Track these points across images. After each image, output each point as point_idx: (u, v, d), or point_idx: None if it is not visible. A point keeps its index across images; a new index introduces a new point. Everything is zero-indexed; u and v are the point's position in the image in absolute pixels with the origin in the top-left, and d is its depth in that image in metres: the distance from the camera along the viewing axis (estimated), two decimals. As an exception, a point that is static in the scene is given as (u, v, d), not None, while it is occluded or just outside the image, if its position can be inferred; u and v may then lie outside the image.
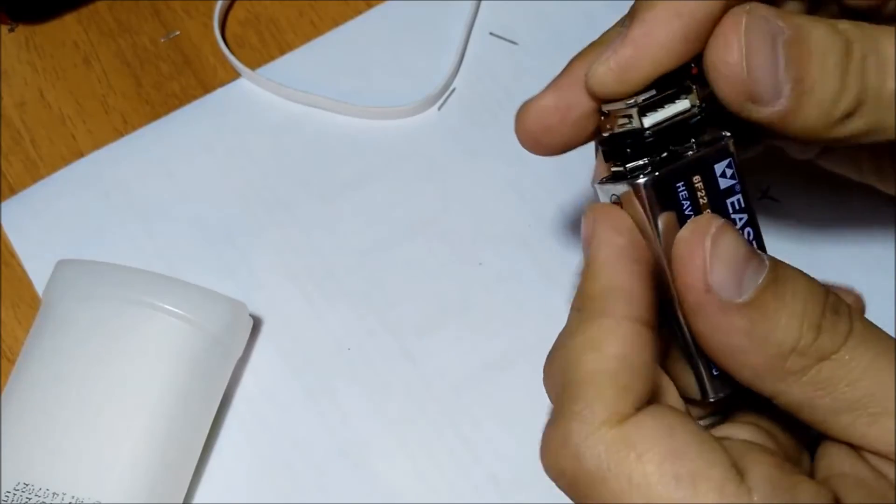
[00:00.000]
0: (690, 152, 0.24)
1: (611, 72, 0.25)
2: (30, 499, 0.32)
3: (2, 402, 0.34)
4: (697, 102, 0.25)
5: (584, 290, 0.24)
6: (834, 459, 0.24)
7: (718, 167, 0.24)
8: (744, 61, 0.24)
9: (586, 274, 0.24)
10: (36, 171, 0.43)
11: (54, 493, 0.32)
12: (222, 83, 0.44)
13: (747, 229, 0.25)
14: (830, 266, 0.38)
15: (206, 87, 0.44)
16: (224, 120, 0.43)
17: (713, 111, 0.25)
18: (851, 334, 0.23)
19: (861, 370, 0.22)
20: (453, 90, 0.43)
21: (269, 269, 0.40)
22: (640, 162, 0.24)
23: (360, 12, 0.45)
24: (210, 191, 0.42)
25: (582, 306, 0.24)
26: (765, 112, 0.24)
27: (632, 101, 0.24)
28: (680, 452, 0.22)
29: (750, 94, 0.24)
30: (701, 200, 0.24)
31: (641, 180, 0.24)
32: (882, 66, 0.24)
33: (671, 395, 0.26)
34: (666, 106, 0.24)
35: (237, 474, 0.36)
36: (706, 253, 0.23)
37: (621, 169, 0.25)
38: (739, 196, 0.25)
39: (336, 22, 0.45)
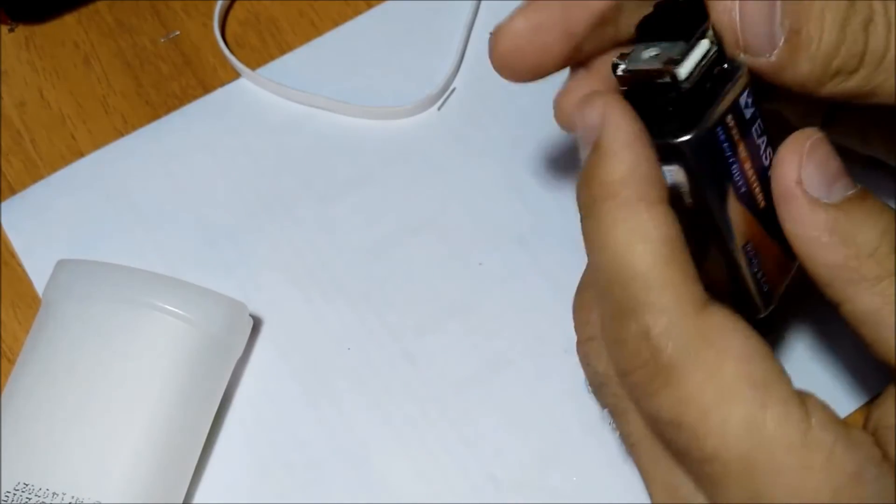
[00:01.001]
0: (719, 95, 0.24)
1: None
2: (30, 499, 0.32)
3: (2, 402, 0.34)
4: (714, 38, 0.24)
5: (608, 177, 0.23)
6: (886, 411, 0.23)
7: (742, 101, 0.25)
8: (736, 8, 0.24)
9: (605, 160, 0.23)
10: (36, 171, 0.43)
11: (54, 493, 0.32)
12: (222, 83, 0.44)
13: (768, 149, 0.25)
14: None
15: (206, 87, 0.44)
16: (224, 120, 0.43)
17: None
18: None
19: None
20: (453, 90, 0.43)
21: (269, 269, 0.40)
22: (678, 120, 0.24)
23: (360, 12, 0.45)
24: (210, 191, 0.42)
25: (608, 194, 0.23)
26: (758, 62, 0.24)
27: (656, 55, 0.24)
28: (753, 356, 0.22)
29: (743, 42, 0.24)
30: (735, 138, 0.24)
31: (687, 137, 0.23)
32: (888, 29, 0.24)
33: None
34: (691, 53, 0.24)
35: (237, 474, 0.36)
36: (803, 152, 0.23)
37: (665, 121, 0.24)
38: (759, 121, 0.25)
39: (336, 22, 0.45)
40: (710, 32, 0.24)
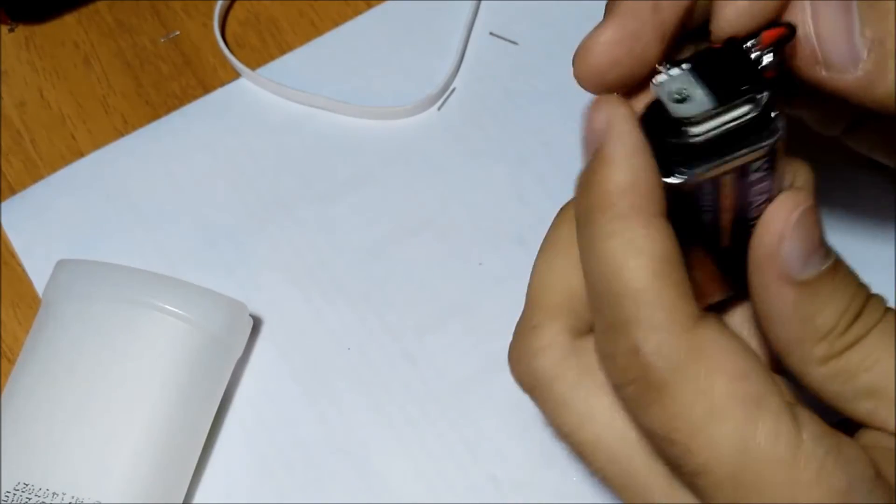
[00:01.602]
0: (727, 155, 0.22)
1: None
2: (30, 499, 0.32)
3: (2, 402, 0.34)
4: (761, 103, 0.22)
5: (607, 186, 0.22)
6: (874, 435, 0.24)
7: (753, 166, 0.23)
8: (809, 21, 0.22)
9: (605, 168, 0.22)
10: (36, 171, 0.43)
11: (54, 493, 0.32)
12: (222, 83, 0.44)
13: (764, 205, 0.24)
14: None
15: (206, 87, 0.44)
16: (224, 120, 0.43)
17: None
18: (878, 325, 0.23)
19: (879, 356, 0.23)
20: (453, 90, 0.43)
21: (269, 269, 0.40)
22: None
23: (360, 12, 0.45)
24: (210, 191, 0.42)
25: (606, 204, 0.22)
26: (841, 81, 0.22)
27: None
28: (745, 372, 0.22)
29: (821, 60, 0.22)
30: (724, 192, 0.23)
31: (674, 180, 0.22)
32: None
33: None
34: (721, 115, 0.22)
35: (237, 474, 0.36)
36: (789, 225, 0.22)
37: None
38: (768, 182, 0.23)
39: (336, 22, 0.45)
40: (763, 98, 0.22)
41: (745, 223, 0.24)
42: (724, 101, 0.22)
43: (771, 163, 0.23)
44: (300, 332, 0.38)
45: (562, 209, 0.27)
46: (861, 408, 0.23)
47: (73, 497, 0.32)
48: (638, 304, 0.22)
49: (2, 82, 0.45)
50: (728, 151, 0.22)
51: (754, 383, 0.21)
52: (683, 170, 0.22)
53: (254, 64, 0.44)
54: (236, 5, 0.46)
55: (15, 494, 0.32)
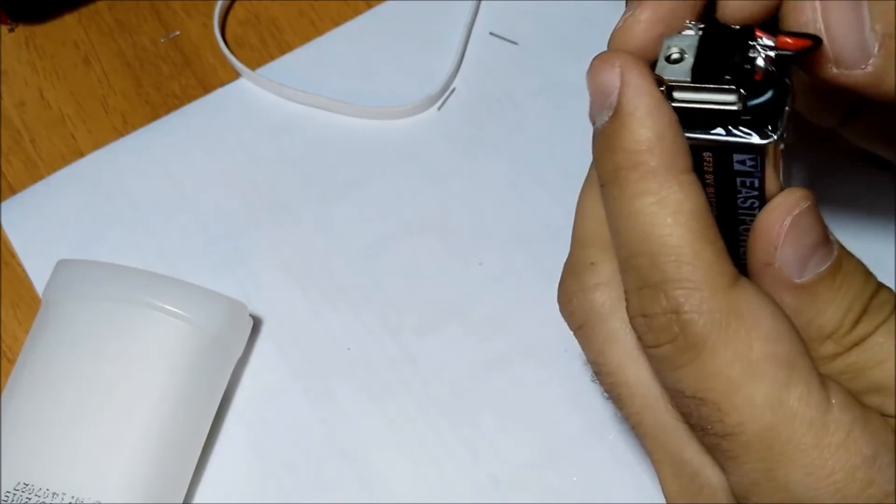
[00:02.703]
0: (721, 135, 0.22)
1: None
2: (30, 499, 0.32)
3: (2, 402, 0.34)
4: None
5: (633, 145, 0.22)
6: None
7: (738, 157, 0.23)
8: (819, 18, 0.22)
9: (628, 126, 0.22)
10: (36, 171, 0.43)
11: (54, 493, 0.32)
12: (222, 83, 0.44)
13: (751, 202, 0.24)
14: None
15: (206, 87, 0.44)
16: (224, 120, 0.43)
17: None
18: (886, 322, 0.23)
19: (888, 352, 0.23)
20: (453, 90, 0.43)
21: (269, 269, 0.40)
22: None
23: (359, 12, 0.45)
24: (210, 191, 0.42)
25: (634, 163, 0.22)
26: (851, 77, 0.22)
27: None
28: (781, 336, 0.22)
29: (834, 54, 0.22)
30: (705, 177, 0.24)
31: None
32: None
33: None
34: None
35: (237, 474, 0.36)
36: (783, 231, 0.22)
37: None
38: (756, 179, 0.23)
39: (336, 22, 0.45)
40: (757, 100, 0.22)
41: (732, 217, 0.24)
42: (698, 79, 0.22)
43: (758, 163, 0.23)
44: (300, 332, 0.38)
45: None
46: (871, 402, 0.23)
47: (73, 497, 0.32)
48: (679, 262, 0.21)
49: (2, 82, 0.45)
50: (707, 129, 0.22)
51: (788, 346, 0.22)
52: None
53: (254, 64, 0.44)
54: (236, 5, 0.46)
55: (15, 494, 0.32)
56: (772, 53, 0.22)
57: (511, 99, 0.43)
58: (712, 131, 0.23)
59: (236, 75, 0.44)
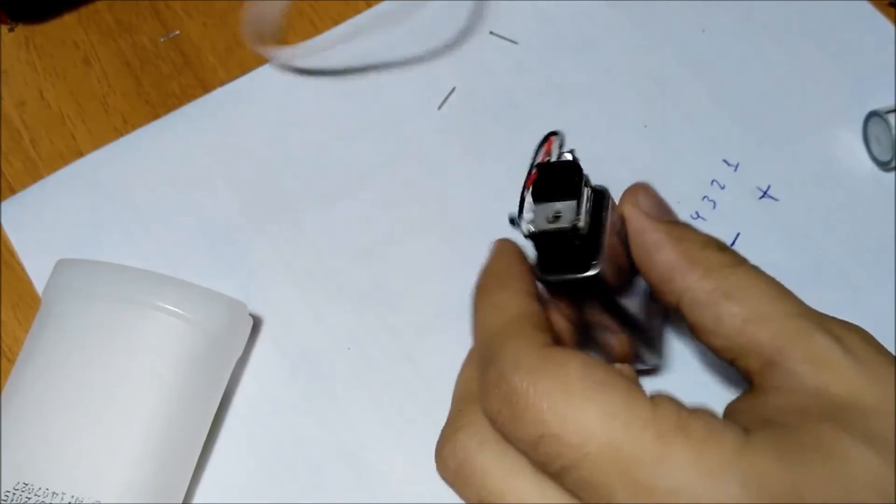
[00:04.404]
0: (603, 224, 0.29)
1: None
2: (30, 498, 0.32)
3: (2, 402, 0.34)
4: (588, 182, 0.28)
5: (485, 273, 0.30)
6: (730, 414, 0.27)
7: (609, 216, 0.29)
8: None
9: (486, 265, 0.30)
10: (36, 171, 0.43)
11: (54, 493, 0.32)
12: (222, 83, 0.44)
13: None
14: (830, 265, 0.38)
15: (206, 87, 0.44)
16: (224, 120, 0.43)
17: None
18: (746, 261, 0.28)
19: (754, 281, 0.27)
20: (453, 90, 0.43)
21: (269, 269, 0.40)
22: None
23: (359, 12, 0.45)
24: (210, 191, 0.42)
25: (483, 284, 0.29)
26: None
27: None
28: (593, 366, 0.25)
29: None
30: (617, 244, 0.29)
31: (596, 271, 0.28)
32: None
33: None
34: (582, 206, 0.28)
35: (237, 474, 0.36)
36: (637, 191, 0.30)
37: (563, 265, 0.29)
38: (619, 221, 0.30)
39: (336, 21, 0.45)
40: (586, 178, 0.28)
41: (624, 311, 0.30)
42: (574, 193, 0.28)
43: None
44: (300, 332, 0.38)
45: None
46: (734, 325, 0.26)
47: (73, 497, 0.32)
48: (502, 340, 0.26)
49: (2, 82, 0.45)
50: (600, 225, 0.29)
51: (602, 372, 0.24)
52: (593, 260, 0.28)
53: (254, 63, 0.44)
54: (236, 5, 0.46)
55: (15, 494, 0.32)
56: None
57: (511, 99, 0.43)
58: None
59: (236, 75, 0.44)
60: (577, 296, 0.30)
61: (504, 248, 0.31)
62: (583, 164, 0.29)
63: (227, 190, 0.42)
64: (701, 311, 0.27)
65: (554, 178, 0.29)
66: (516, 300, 0.28)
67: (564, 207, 0.28)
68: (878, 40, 0.43)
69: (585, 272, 0.28)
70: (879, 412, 0.23)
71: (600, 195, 0.29)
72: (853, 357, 0.25)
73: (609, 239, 0.29)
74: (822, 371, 0.25)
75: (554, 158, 0.29)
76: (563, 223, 0.28)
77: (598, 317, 0.31)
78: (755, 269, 0.27)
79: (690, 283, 0.27)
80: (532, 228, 0.28)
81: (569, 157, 0.29)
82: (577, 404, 0.24)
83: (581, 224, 0.28)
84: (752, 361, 0.26)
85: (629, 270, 0.30)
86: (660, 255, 0.28)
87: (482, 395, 0.26)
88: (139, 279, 0.35)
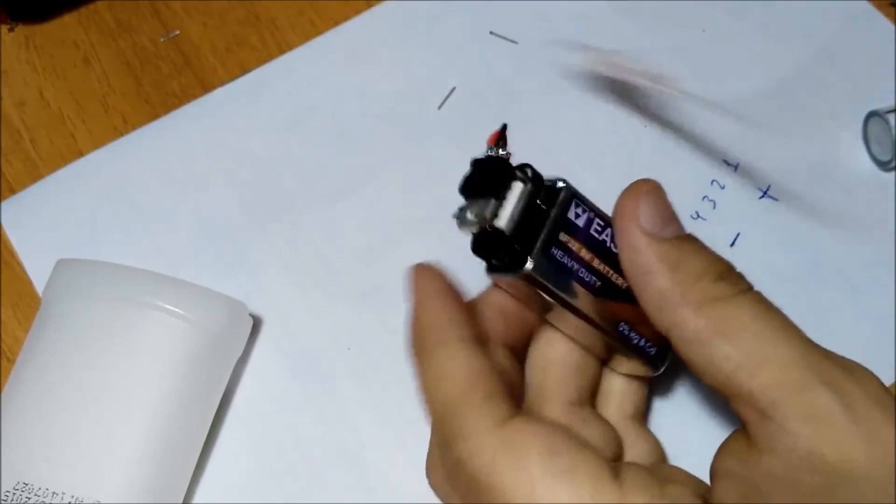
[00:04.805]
0: (545, 220, 0.27)
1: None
2: (29, 498, 0.32)
3: (2, 402, 0.34)
4: (526, 176, 0.27)
5: (416, 327, 0.27)
6: (723, 461, 0.26)
7: (571, 213, 0.28)
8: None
9: (414, 313, 0.27)
10: (36, 171, 0.43)
11: (54, 493, 0.32)
12: (222, 83, 0.44)
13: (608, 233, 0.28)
14: (830, 265, 0.38)
15: (206, 87, 0.44)
16: (224, 120, 0.43)
17: None
18: (749, 291, 0.25)
19: (752, 318, 0.24)
20: (453, 90, 0.43)
21: (269, 269, 0.40)
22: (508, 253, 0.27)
23: (359, 12, 0.45)
24: (210, 190, 0.42)
25: (418, 344, 0.27)
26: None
27: (476, 223, 0.27)
28: (557, 450, 0.24)
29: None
30: (574, 248, 0.28)
31: (527, 267, 0.27)
32: None
33: (551, 406, 0.29)
34: (506, 203, 0.27)
35: (237, 474, 0.36)
36: (640, 196, 0.27)
37: (497, 263, 0.28)
38: (596, 221, 0.28)
39: (336, 22, 0.45)
40: (520, 174, 0.27)
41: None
42: (501, 189, 0.28)
43: (584, 204, 0.28)
44: (300, 332, 0.38)
45: None
46: (726, 366, 0.24)
47: (73, 497, 0.32)
48: (453, 417, 0.25)
49: (2, 82, 0.45)
50: (541, 221, 0.27)
51: (567, 456, 0.24)
52: (524, 258, 0.27)
53: (254, 63, 0.44)
54: (236, 5, 0.46)
55: (15, 494, 0.32)
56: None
57: (511, 99, 0.43)
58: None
59: (236, 75, 0.44)
60: (530, 291, 0.28)
61: (424, 282, 0.28)
62: (530, 160, 0.28)
63: (227, 190, 0.42)
64: (691, 349, 0.25)
65: (481, 174, 0.28)
66: (459, 359, 0.26)
67: (483, 206, 0.27)
68: (878, 40, 0.43)
69: (518, 269, 0.27)
70: (870, 480, 0.22)
71: (551, 191, 0.28)
72: (852, 414, 0.23)
73: (570, 243, 0.27)
74: (817, 432, 0.23)
75: (501, 153, 0.29)
76: (481, 221, 0.27)
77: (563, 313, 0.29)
78: (756, 303, 0.25)
79: (680, 318, 0.25)
80: (458, 226, 0.28)
81: (505, 152, 0.29)
82: (538, 499, 0.23)
83: (502, 224, 0.27)
84: (746, 411, 0.24)
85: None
86: (652, 280, 0.26)
87: (448, 477, 0.26)
88: (139, 279, 0.35)
